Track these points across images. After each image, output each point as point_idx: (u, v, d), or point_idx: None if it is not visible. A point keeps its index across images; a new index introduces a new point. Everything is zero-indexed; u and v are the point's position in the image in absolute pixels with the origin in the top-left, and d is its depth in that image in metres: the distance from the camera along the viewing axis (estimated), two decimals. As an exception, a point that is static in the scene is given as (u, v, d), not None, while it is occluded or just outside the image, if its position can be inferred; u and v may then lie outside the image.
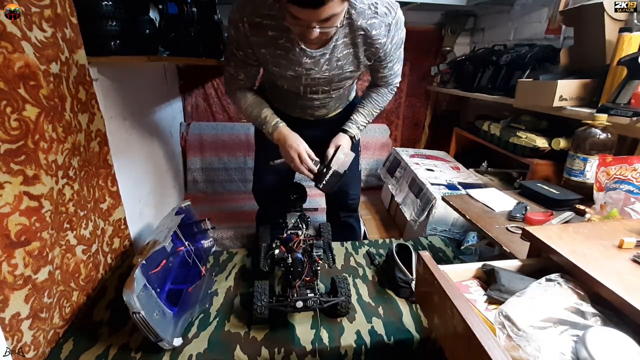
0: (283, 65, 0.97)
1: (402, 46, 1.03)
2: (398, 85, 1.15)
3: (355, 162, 1.25)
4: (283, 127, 1.06)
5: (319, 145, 1.10)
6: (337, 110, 1.23)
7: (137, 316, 0.75)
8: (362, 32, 0.91)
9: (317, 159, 1.07)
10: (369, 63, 1.02)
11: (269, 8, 0.87)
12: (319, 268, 0.98)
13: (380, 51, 0.97)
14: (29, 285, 0.77)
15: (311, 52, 0.93)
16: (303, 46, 0.91)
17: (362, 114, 1.14)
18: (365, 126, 1.16)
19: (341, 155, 1.06)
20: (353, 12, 0.88)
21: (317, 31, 0.79)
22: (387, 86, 1.13)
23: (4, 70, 0.71)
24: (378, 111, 1.16)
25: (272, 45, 0.93)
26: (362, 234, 1.74)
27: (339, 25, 0.83)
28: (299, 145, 1.04)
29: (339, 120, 1.18)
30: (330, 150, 1.08)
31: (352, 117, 1.14)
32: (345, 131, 1.12)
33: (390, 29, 0.93)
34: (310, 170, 1.05)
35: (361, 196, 2.44)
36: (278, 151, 1.09)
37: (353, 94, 1.28)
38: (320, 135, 1.14)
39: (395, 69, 1.08)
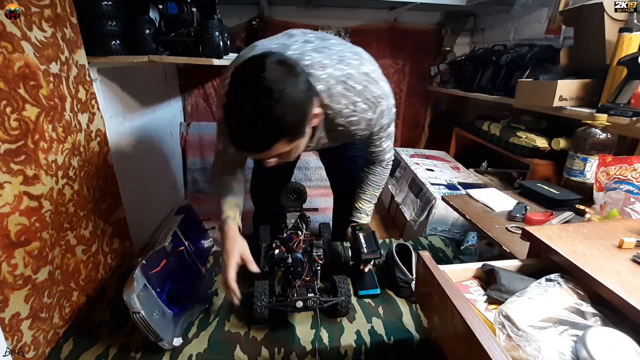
0: None
1: (392, 126, 0.96)
2: (391, 161, 1.08)
3: None
4: (231, 223, 0.90)
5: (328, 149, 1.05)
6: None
7: (137, 316, 0.75)
8: (341, 128, 0.87)
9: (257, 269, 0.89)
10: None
11: None
12: (319, 268, 0.98)
13: (364, 137, 0.93)
14: (28, 285, 0.77)
15: None
16: None
17: (366, 200, 1.10)
18: (372, 210, 1.12)
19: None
20: (330, 112, 0.82)
21: (270, 162, 0.76)
22: (380, 163, 1.06)
23: (4, 70, 0.71)
24: (379, 191, 1.12)
25: None
26: None
27: (296, 154, 0.78)
28: (230, 257, 0.86)
29: None
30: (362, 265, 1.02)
31: (356, 206, 1.10)
32: (355, 223, 1.09)
33: (371, 122, 0.87)
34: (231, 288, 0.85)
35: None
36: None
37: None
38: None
39: (384, 146, 1.01)
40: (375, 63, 0.87)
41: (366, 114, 0.85)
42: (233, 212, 0.92)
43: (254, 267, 0.87)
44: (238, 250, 0.87)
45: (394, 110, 0.94)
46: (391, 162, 1.09)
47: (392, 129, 0.98)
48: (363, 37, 2.45)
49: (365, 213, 1.10)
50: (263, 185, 1.31)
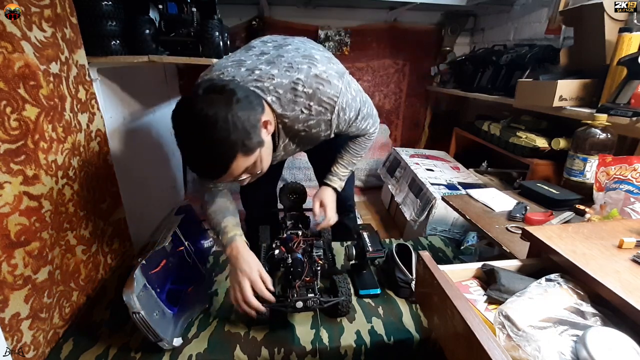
0: None
1: (364, 110, 0.94)
2: (375, 132, 1.07)
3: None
4: (240, 241, 0.87)
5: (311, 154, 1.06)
6: None
7: (137, 316, 0.75)
8: (303, 132, 0.88)
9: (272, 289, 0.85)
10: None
11: None
12: (319, 268, 0.98)
13: (333, 134, 0.92)
14: (28, 285, 0.77)
15: None
16: None
17: (342, 164, 1.09)
18: (346, 176, 1.11)
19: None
20: (286, 120, 0.83)
21: (244, 179, 0.80)
22: (362, 135, 1.05)
23: (3, 70, 0.71)
24: (358, 159, 1.10)
25: None
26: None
27: (264, 164, 0.80)
28: (252, 270, 0.82)
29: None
30: (316, 205, 1.03)
31: (332, 169, 1.09)
32: (327, 184, 1.08)
33: (332, 123, 0.86)
34: (253, 306, 0.81)
35: (361, 196, 2.45)
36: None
37: None
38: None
39: (363, 126, 0.98)
40: (331, 60, 0.87)
41: (324, 115, 0.85)
42: (238, 230, 0.91)
43: (270, 286, 0.84)
44: (255, 267, 0.84)
45: (361, 95, 0.92)
46: (375, 134, 1.07)
47: (366, 111, 0.95)
48: (363, 37, 2.45)
49: (339, 177, 1.09)
50: (251, 187, 1.30)
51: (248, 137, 0.70)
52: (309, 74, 0.80)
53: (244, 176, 0.78)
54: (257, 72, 0.81)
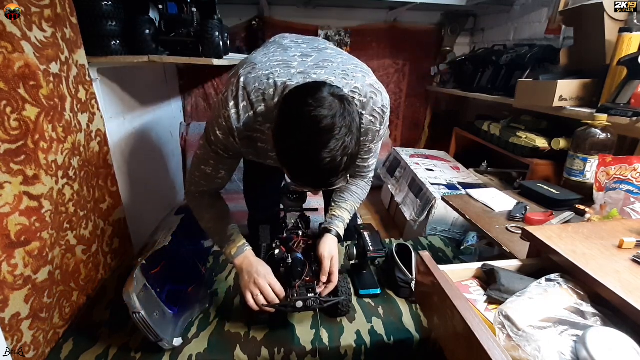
0: (272, 164, 0.92)
1: (380, 141, 0.93)
2: (371, 181, 1.05)
3: None
4: (250, 252, 0.90)
5: None
6: None
7: (137, 316, 0.75)
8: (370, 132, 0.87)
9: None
10: None
11: (259, 124, 0.80)
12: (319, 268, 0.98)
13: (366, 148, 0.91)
14: (29, 286, 0.77)
15: None
16: None
17: (346, 209, 1.01)
18: (348, 221, 1.03)
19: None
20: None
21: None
22: (363, 179, 1.03)
23: (4, 70, 0.71)
24: (359, 205, 1.05)
25: (262, 154, 0.89)
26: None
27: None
28: (269, 276, 0.85)
29: None
30: (327, 264, 0.90)
31: (335, 213, 1.00)
32: (330, 231, 0.97)
33: (379, 133, 0.87)
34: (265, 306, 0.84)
35: (361, 196, 2.45)
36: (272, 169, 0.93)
37: None
38: None
39: (370, 163, 0.98)
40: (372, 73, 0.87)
41: (373, 126, 0.84)
42: (244, 239, 0.92)
43: (282, 294, 0.84)
44: (270, 276, 0.86)
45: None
46: (371, 183, 1.05)
47: (379, 145, 0.95)
48: (363, 37, 2.45)
49: (344, 223, 1.00)
50: (258, 189, 1.30)
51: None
52: (364, 83, 0.80)
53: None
54: (313, 76, 0.78)
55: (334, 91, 0.64)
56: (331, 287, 0.90)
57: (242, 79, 0.79)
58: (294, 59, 0.82)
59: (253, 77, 0.78)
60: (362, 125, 0.77)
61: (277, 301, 0.84)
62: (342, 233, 0.98)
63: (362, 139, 0.79)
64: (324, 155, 0.60)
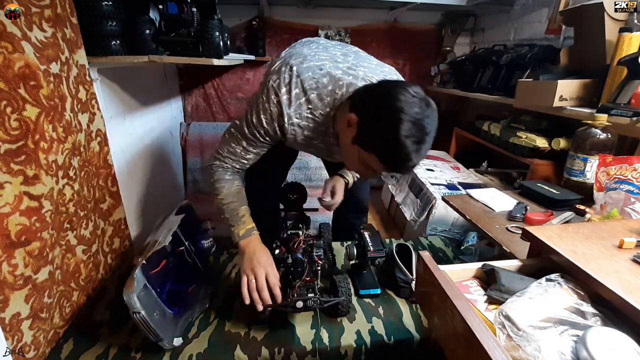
0: (310, 151, 1.04)
1: None
2: None
3: None
4: (257, 237, 0.92)
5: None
6: None
7: (137, 316, 0.75)
8: None
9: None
10: None
11: (308, 112, 0.87)
12: (319, 268, 0.98)
13: None
14: (29, 285, 0.77)
15: None
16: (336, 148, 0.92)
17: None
18: (355, 177, 1.19)
19: None
20: None
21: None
22: None
23: (4, 70, 0.71)
24: None
25: (305, 142, 0.94)
26: None
27: None
28: (267, 265, 0.86)
29: None
30: (327, 187, 1.11)
31: (345, 168, 1.17)
32: (341, 175, 1.16)
33: None
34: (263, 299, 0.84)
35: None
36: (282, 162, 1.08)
37: None
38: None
39: None
40: None
41: None
42: (252, 223, 0.94)
43: (274, 286, 0.85)
44: (271, 264, 0.88)
45: None
46: None
47: None
48: (363, 37, 2.45)
49: (352, 175, 1.17)
50: (260, 185, 1.30)
51: None
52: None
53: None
54: (360, 73, 0.87)
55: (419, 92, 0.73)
56: (331, 202, 1.10)
57: (295, 68, 0.84)
58: (337, 57, 0.89)
59: (305, 67, 0.84)
60: None
61: (267, 296, 0.83)
62: (349, 179, 1.16)
63: None
64: (423, 149, 0.72)
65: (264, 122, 0.86)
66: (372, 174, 0.82)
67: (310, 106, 0.85)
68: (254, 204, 1.30)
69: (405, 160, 0.72)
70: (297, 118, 0.86)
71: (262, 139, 0.90)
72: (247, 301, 0.83)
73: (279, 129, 0.87)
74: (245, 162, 0.96)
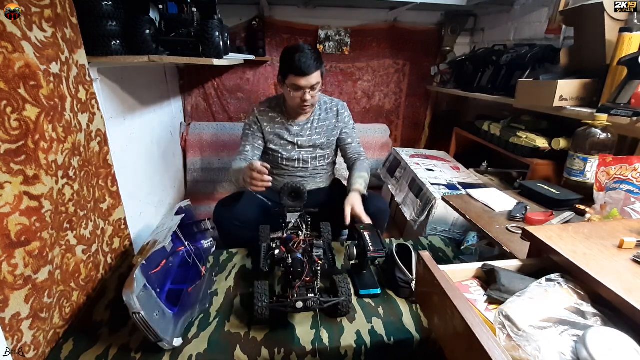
0: (278, 135, 1.42)
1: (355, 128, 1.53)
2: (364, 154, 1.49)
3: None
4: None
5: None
6: (324, 185, 1.55)
7: (137, 316, 0.75)
8: (336, 109, 1.48)
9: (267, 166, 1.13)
10: (336, 137, 1.48)
11: (274, 101, 1.46)
12: (319, 268, 0.98)
13: (344, 125, 1.48)
14: (29, 285, 0.77)
15: (298, 122, 1.43)
16: (292, 121, 1.43)
17: (364, 177, 1.34)
18: (366, 185, 1.33)
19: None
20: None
21: (309, 95, 1.29)
22: (359, 157, 1.46)
23: (4, 70, 0.71)
24: (367, 174, 1.37)
25: (272, 121, 1.43)
26: None
27: (318, 95, 1.36)
28: (252, 164, 1.12)
29: (327, 190, 1.54)
30: (348, 210, 1.19)
31: (357, 179, 1.32)
32: (354, 189, 1.27)
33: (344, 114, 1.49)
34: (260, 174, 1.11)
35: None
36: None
37: (332, 178, 1.62)
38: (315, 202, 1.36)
39: (357, 142, 1.51)
40: None
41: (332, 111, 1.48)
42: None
43: (262, 168, 1.10)
44: (254, 162, 1.13)
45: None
46: (367, 159, 1.48)
47: (356, 131, 1.53)
48: (363, 37, 2.45)
49: (360, 182, 1.31)
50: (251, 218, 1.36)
51: (323, 68, 1.32)
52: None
53: (309, 93, 1.29)
54: None
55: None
56: (357, 212, 1.20)
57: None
58: None
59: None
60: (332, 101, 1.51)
61: (266, 172, 1.10)
62: (362, 188, 1.30)
63: (342, 110, 1.48)
64: (305, 49, 1.25)
65: (249, 119, 1.45)
66: (300, 93, 1.28)
67: (274, 97, 1.50)
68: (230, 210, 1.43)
69: (299, 60, 1.22)
70: (264, 107, 1.44)
71: (248, 132, 1.43)
72: (256, 187, 1.11)
73: (255, 118, 1.43)
74: (246, 154, 1.39)
